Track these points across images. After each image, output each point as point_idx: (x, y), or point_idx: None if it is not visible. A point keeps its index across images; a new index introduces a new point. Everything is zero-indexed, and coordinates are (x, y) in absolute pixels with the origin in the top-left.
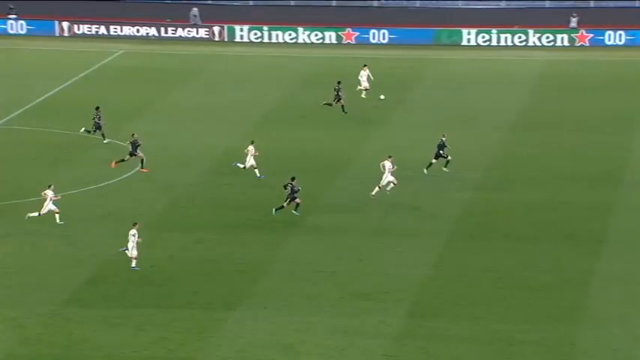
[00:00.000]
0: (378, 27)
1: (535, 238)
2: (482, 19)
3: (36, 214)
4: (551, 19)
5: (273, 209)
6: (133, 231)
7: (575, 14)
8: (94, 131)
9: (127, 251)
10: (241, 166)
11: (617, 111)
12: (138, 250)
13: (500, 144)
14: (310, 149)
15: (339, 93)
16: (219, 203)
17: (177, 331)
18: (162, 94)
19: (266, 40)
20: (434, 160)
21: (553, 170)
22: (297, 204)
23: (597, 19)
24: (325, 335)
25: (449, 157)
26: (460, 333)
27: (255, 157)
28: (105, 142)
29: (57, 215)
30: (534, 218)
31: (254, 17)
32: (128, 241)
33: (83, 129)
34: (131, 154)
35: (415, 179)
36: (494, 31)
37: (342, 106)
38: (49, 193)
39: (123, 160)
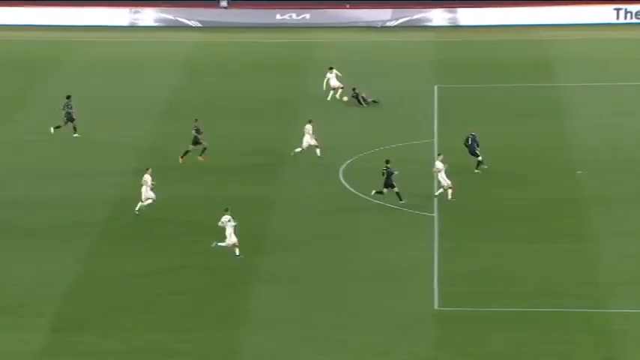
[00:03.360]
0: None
1: (192, 238)
2: None
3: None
4: None
5: (373, 191)
6: (226, 217)
7: None
8: (65, 123)
9: (221, 244)
10: (298, 150)
11: (277, 96)
12: (237, 235)
13: (150, 135)
14: None
15: (359, 96)
16: None
17: None
18: None
19: None
20: (480, 158)
21: (208, 162)
22: (397, 193)
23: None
24: None
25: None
26: (110, 346)
27: (314, 137)
28: (75, 135)
29: (149, 200)
30: (189, 216)
31: None
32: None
33: (52, 128)
34: (195, 142)
35: (59, 177)
36: (148, 10)
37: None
38: (147, 177)
39: (187, 152)
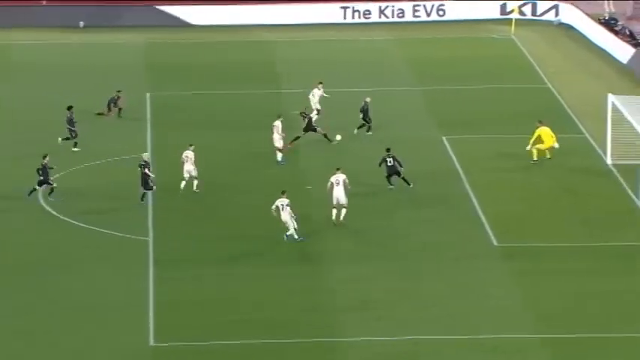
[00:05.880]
0: None
1: None
2: None
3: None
4: None
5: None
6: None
7: None
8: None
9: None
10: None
11: None
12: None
13: None
14: None
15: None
16: None
17: None
18: None
19: None
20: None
21: None
22: (404, 178)
23: None
24: None
25: None
26: None
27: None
28: (75, 149)
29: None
30: None
31: None
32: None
33: (60, 139)
34: (308, 129)
35: None
36: None
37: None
38: (189, 154)
39: (298, 138)
